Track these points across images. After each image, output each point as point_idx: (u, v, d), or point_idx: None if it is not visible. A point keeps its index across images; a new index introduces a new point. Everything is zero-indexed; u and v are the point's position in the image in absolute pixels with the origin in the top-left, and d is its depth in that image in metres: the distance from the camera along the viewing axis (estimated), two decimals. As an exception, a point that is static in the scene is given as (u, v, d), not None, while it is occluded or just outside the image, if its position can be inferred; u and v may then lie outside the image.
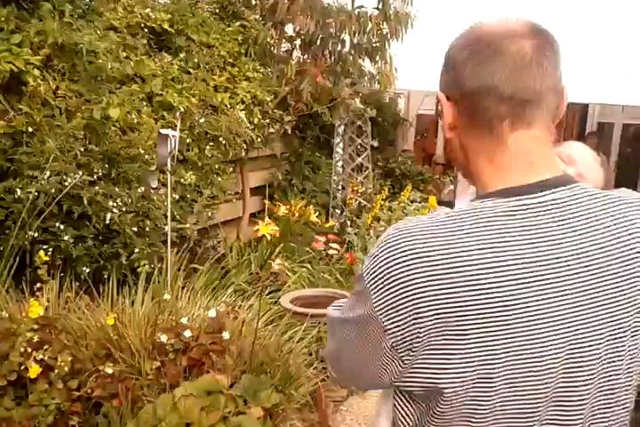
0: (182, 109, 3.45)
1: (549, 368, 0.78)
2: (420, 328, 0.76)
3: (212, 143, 3.58)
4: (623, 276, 0.82)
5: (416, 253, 0.77)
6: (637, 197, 0.88)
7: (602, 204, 0.84)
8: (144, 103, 3.34)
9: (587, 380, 0.81)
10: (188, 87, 3.56)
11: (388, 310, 0.78)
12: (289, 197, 5.74)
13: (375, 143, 5.70)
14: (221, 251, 4.04)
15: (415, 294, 0.76)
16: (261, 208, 5.29)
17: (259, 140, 4.11)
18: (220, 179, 3.65)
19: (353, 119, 5.77)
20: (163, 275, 3.24)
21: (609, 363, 0.82)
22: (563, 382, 0.80)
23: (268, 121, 4.23)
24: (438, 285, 0.75)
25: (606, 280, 0.81)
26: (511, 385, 0.78)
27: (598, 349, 0.81)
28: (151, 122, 3.36)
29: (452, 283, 0.75)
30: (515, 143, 0.83)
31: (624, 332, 0.82)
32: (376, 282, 0.79)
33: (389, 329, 0.78)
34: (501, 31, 0.83)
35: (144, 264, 3.08)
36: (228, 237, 4.59)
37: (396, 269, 0.77)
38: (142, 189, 2.94)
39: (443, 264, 0.76)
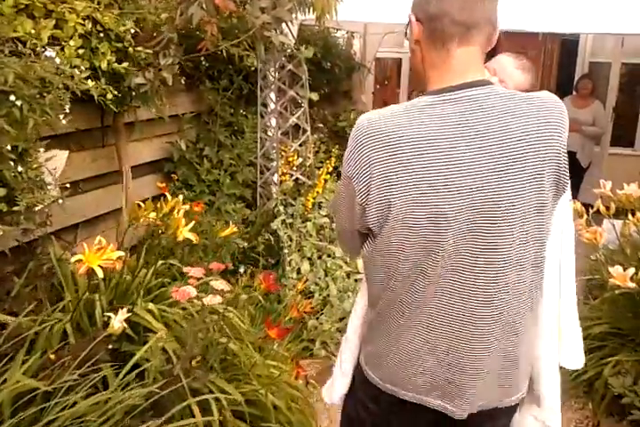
0: None
1: (458, 197, 1.21)
2: (372, 179, 1.24)
3: (-5, 105, 1.98)
4: (519, 151, 1.22)
5: (372, 134, 1.24)
6: (545, 96, 1.29)
7: (506, 100, 1.24)
8: None
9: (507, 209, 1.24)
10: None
11: (355, 177, 1.27)
12: (200, 175, 4.18)
13: (315, 96, 4.10)
14: (58, 280, 2.48)
15: (370, 160, 1.24)
16: (159, 193, 3.72)
17: (110, 96, 2.51)
18: (20, 167, 2.07)
19: (283, 63, 4.15)
20: None
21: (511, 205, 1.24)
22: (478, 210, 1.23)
23: (127, 65, 2.61)
24: (383, 151, 1.23)
25: (503, 151, 1.22)
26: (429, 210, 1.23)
27: (510, 195, 1.23)
28: None
29: (389, 149, 1.22)
30: (458, 56, 1.26)
31: (523, 191, 1.24)
32: (348, 160, 1.30)
33: (356, 188, 1.27)
34: None
35: None
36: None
37: (360, 150, 1.25)
38: None
39: (385, 140, 1.22)
